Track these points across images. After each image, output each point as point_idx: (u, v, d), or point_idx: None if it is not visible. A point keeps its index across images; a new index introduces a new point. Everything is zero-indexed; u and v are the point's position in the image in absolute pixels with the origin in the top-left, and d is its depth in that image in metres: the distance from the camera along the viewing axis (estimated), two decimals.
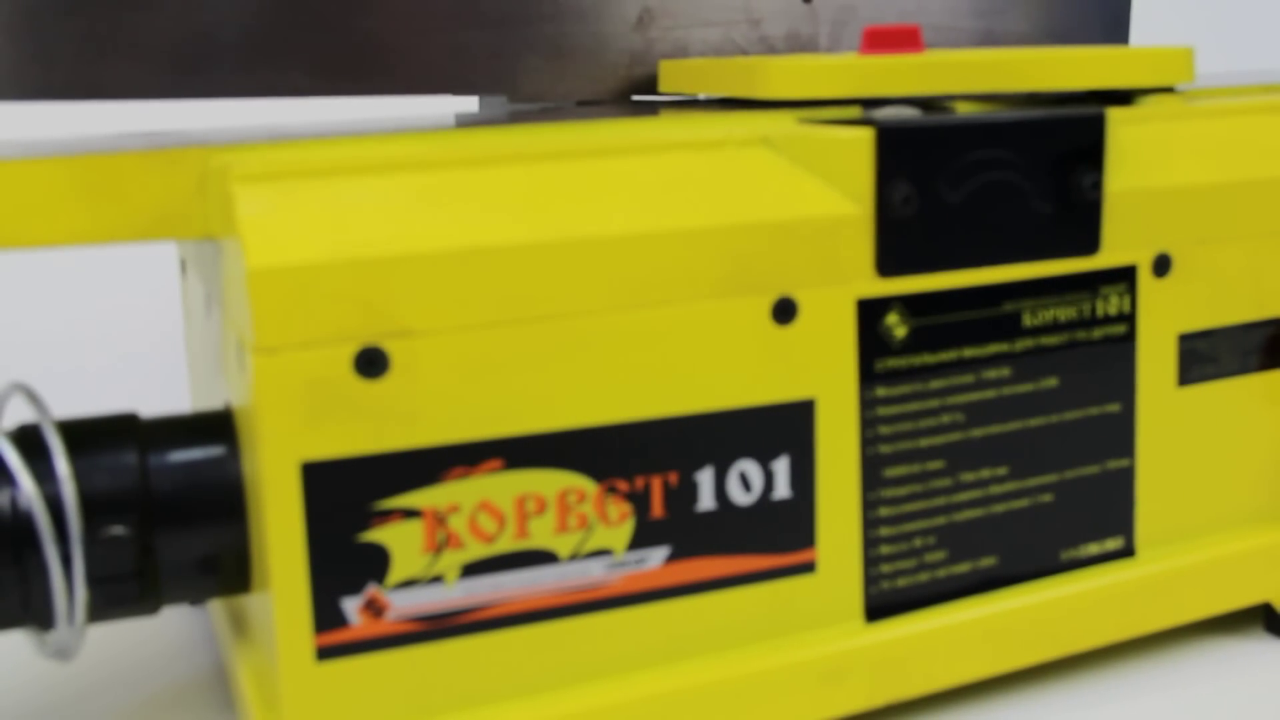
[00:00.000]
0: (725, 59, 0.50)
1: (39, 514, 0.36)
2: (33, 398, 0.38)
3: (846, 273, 0.40)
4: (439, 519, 0.37)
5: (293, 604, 0.35)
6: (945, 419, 0.43)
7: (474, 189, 0.38)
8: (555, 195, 0.38)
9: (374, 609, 0.36)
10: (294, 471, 0.35)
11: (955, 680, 0.44)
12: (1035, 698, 0.45)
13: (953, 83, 0.44)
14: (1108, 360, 0.45)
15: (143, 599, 0.38)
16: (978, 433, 0.43)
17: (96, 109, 0.47)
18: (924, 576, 0.43)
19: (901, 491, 0.42)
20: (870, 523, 0.42)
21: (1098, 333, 0.45)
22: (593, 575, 0.39)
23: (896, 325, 0.41)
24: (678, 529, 0.39)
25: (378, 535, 0.36)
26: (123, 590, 0.37)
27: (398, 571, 0.36)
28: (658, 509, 0.39)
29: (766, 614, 0.41)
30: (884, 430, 0.42)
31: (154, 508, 0.38)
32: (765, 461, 0.40)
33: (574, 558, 0.38)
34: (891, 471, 0.42)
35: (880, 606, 0.43)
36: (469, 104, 0.55)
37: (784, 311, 0.39)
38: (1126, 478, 0.46)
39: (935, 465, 0.43)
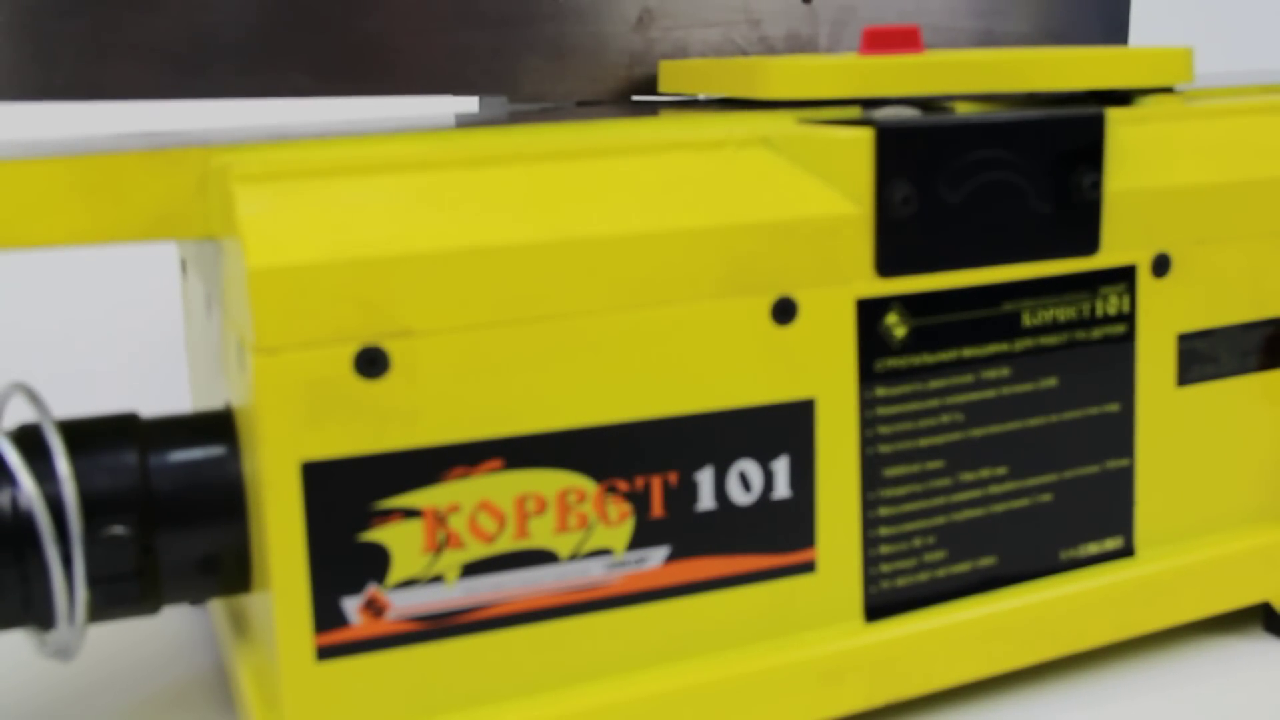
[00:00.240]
0: (725, 59, 0.50)
1: (39, 514, 0.36)
2: (33, 398, 0.38)
3: (846, 273, 0.40)
4: (439, 519, 0.37)
5: (293, 604, 0.35)
6: (945, 419, 0.43)
7: (474, 189, 0.38)
8: (555, 195, 0.38)
9: (374, 609, 0.36)
10: (294, 471, 0.35)
11: (955, 680, 0.44)
12: (1035, 698, 0.46)
13: (952, 83, 0.44)
14: (1107, 360, 0.45)
15: (143, 599, 0.38)
16: (977, 432, 0.43)
17: (97, 109, 0.47)
18: (924, 576, 0.43)
19: (901, 491, 0.42)
20: (870, 522, 0.42)
21: (1097, 333, 0.45)
22: (593, 575, 0.39)
23: (896, 325, 0.41)
24: (678, 529, 0.39)
25: (378, 535, 0.36)
26: (123, 590, 0.37)
27: (398, 571, 0.36)
28: (658, 509, 0.39)
29: (766, 614, 0.41)
30: (884, 430, 0.42)
31: (154, 507, 0.38)
32: (765, 461, 0.40)
33: (574, 557, 0.38)
34: (891, 471, 0.42)
35: (880, 606, 0.43)
36: (469, 104, 0.55)
37: (784, 311, 0.39)
38: (1126, 477, 0.46)
39: (935, 465, 0.43)
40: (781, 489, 0.40)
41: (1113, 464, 0.46)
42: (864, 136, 0.40)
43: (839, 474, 0.41)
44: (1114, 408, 0.45)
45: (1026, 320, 0.43)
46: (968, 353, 0.42)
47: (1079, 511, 0.45)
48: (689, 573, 0.40)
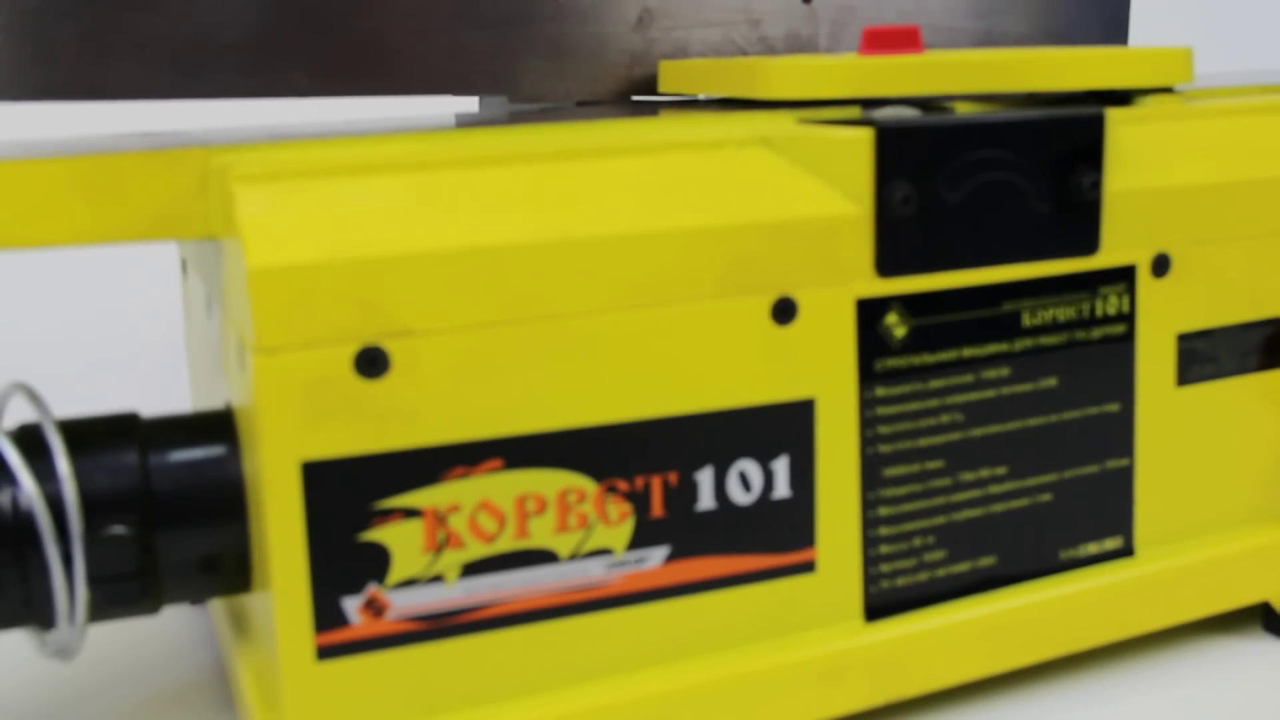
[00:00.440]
0: (725, 59, 0.50)
1: (40, 513, 0.36)
2: (34, 397, 0.38)
3: (846, 273, 0.40)
4: (439, 518, 0.37)
5: (293, 603, 0.35)
6: (945, 419, 0.43)
7: (474, 189, 0.38)
8: (555, 195, 0.38)
9: (374, 608, 0.36)
10: (294, 471, 0.35)
11: (955, 680, 0.44)
12: (1035, 697, 0.46)
13: (952, 83, 0.44)
14: (1107, 360, 0.45)
15: (143, 598, 0.38)
16: (977, 432, 0.43)
17: (97, 109, 0.47)
18: (923, 576, 0.43)
19: (901, 491, 0.42)
20: (870, 522, 0.42)
21: (1097, 333, 0.45)
22: (593, 575, 0.39)
23: (896, 325, 0.41)
24: (678, 529, 0.39)
25: (378, 535, 0.36)
26: (123, 589, 0.37)
27: (398, 571, 0.36)
28: (658, 509, 0.39)
29: (766, 613, 0.41)
30: (883, 430, 0.42)
31: (155, 507, 0.38)
32: (765, 461, 0.40)
33: (574, 557, 0.38)
34: (891, 471, 0.42)
35: (880, 606, 0.43)
36: (469, 104, 0.55)
37: (784, 311, 0.39)
38: (1125, 477, 0.46)
39: (935, 465, 0.43)
40: (781, 489, 0.40)
41: (1112, 464, 0.46)
42: (864, 136, 0.40)
43: (839, 474, 0.41)
44: (1114, 408, 0.45)
45: (1026, 320, 0.43)
46: (967, 353, 0.43)
47: (1079, 511, 0.45)
48: (689, 572, 0.40)
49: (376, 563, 0.36)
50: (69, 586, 0.37)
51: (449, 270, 0.35)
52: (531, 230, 0.36)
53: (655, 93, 0.55)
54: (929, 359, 0.42)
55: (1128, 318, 0.45)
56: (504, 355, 0.36)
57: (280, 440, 0.35)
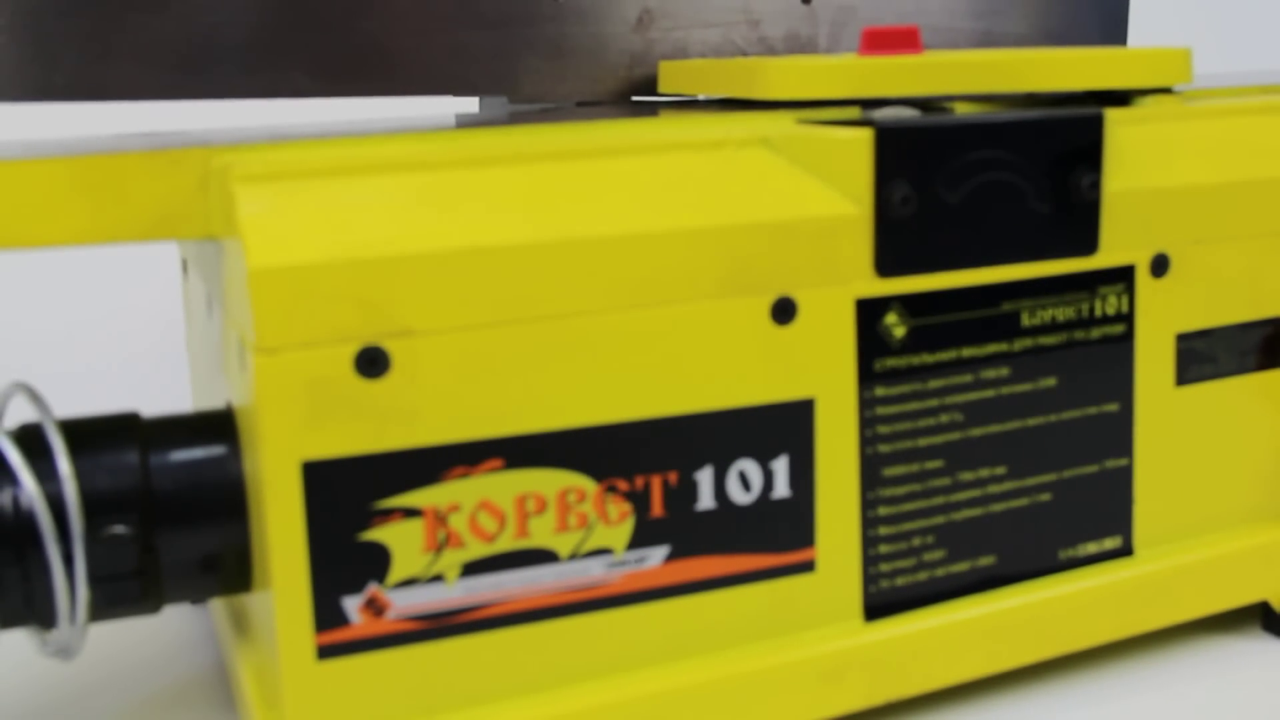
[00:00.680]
0: (725, 60, 0.50)
1: (41, 513, 0.36)
2: (34, 397, 0.38)
3: (846, 273, 0.40)
4: (439, 518, 0.37)
5: (294, 603, 0.36)
6: (944, 418, 0.43)
7: (474, 189, 0.38)
8: (555, 195, 0.38)
9: (375, 608, 0.36)
10: (295, 471, 0.35)
11: (954, 679, 0.44)
12: (1034, 697, 0.46)
13: (951, 83, 0.44)
14: (1106, 360, 0.45)
15: (144, 598, 0.38)
16: (976, 432, 0.43)
17: (98, 109, 0.47)
18: (923, 575, 0.43)
19: (900, 491, 0.42)
20: (869, 522, 0.42)
21: (1096, 333, 0.45)
22: (593, 574, 0.39)
23: (895, 325, 0.41)
24: (677, 528, 0.39)
25: (378, 534, 0.36)
26: (124, 589, 0.37)
27: (398, 570, 0.36)
28: (657, 508, 0.39)
29: (766, 613, 0.41)
30: (883, 430, 0.42)
31: (155, 507, 0.38)
32: (765, 461, 0.40)
33: (574, 557, 0.38)
34: (890, 471, 0.42)
35: (879, 605, 0.43)
36: (469, 104, 0.55)
37: (783, 311, 0.39)
38: (1124, 477, 0.46)
39: (934, 465, 0.43)
40: (781, 489, 0.40)
41: (1111, 464, 0.46)
42: (863, 137, 0.40)
43: (838, 474, 0.41)
44: (1113, 407, 0.45)
45: (1025, 320, 0.43)
46: (967, 352, 0.43)
47: (1078, 511, 0.46)
48: (689, 572, 0.40)
49: (377, 562, 0.36)
50: (70, 586, 0.37)
51: (449, 270, 0.35)
52: (531, 230, 0.37)
53: (655, 93, 0.55)
54: (928, 359, 0.42)
55: (1127, 318, 0.45)
56: (504, 355, 0.36)
57: (281, 440, 0.35)
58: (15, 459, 0.36)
